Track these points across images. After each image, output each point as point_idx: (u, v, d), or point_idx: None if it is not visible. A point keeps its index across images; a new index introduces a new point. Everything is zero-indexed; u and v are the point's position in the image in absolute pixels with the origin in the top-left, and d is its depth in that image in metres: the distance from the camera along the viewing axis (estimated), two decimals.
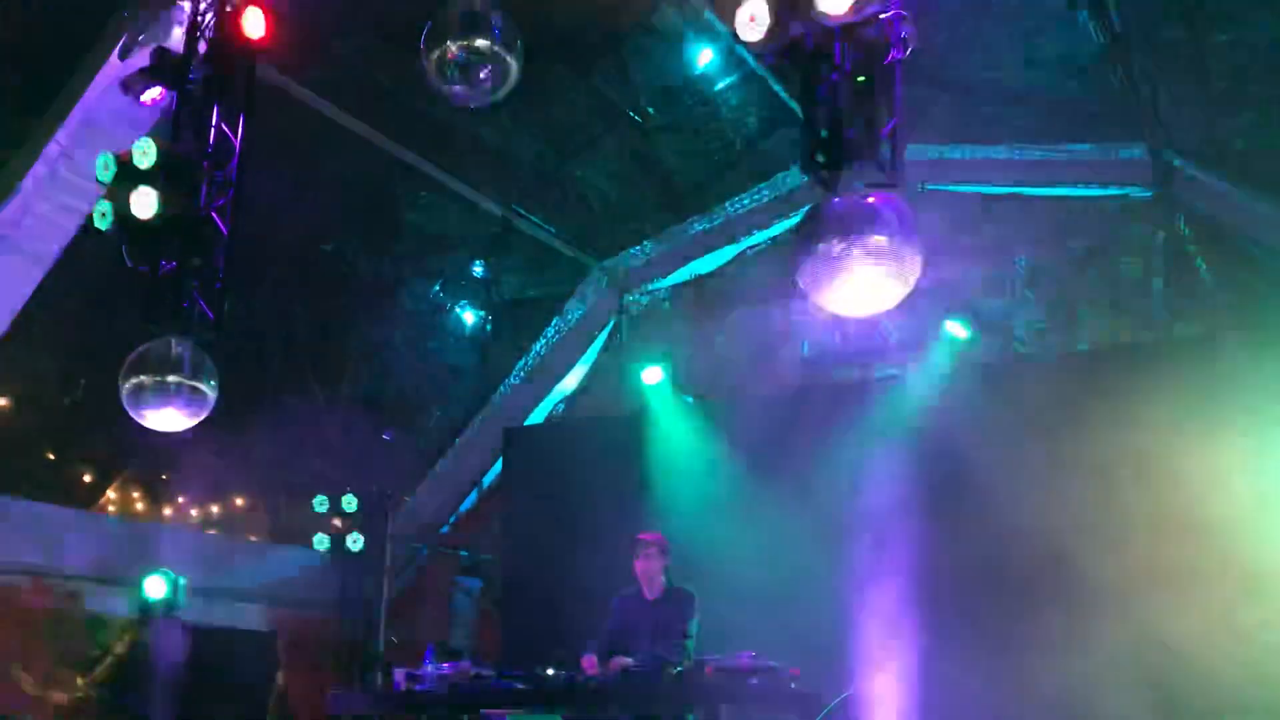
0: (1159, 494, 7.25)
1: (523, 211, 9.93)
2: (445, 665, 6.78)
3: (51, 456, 9.72)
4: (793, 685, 6.23)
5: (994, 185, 9.34)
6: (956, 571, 7.73)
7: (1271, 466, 7.21)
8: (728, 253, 10.54)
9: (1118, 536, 7.41)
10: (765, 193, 10.02)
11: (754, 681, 6.04)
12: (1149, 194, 8.75)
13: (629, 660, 6.40)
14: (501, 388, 11.24)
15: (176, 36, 6.80)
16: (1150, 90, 7.81)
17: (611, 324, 11.18)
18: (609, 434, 10.32)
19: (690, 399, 10.09)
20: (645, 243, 10.65)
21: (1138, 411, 7.58)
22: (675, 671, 6.03)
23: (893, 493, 8.10)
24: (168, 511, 10.69)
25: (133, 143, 6.33)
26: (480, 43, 5.90)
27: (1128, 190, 8.90)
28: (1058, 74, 8.10)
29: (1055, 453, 7.84)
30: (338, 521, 10.46)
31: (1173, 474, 7.29)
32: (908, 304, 5.63)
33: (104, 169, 6.25)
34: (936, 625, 7.62)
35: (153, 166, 6.21)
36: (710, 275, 10.71)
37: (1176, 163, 8.37)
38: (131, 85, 6.66)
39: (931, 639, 7.61)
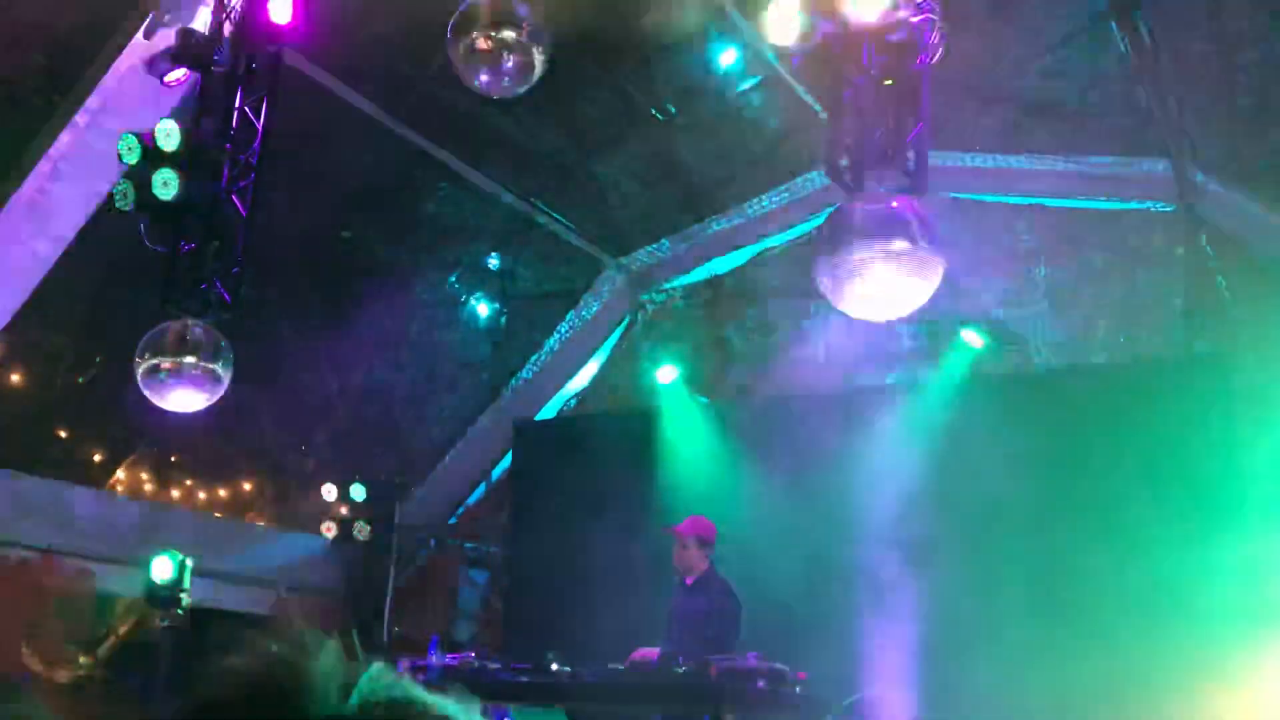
0: (1173, 509, 7.21)
1: (542, 206, 9.91)
2: (450, 657, 6.78)
3: (64, 435, 9.74)
4: (799, 689, 6.21)
5: (1015, 195, 9.29)
6: (967, 579, 7.70)
7: None
8: (746, 253, 10.51)
9: (1131, 549, 7.37)
10: (785, 194, 9.98)
11: (760, 684, 6.03)
12: (1171, 208, 8.70)
13: (651, 651, 6.36)
14: (514, 381, 11.23)
15: (202, 18, 6.81)
16: (1176, 105, 7.76)
17: (626, 321, 11.16)
18: (620, 431, 10.31)
19: (703, 399, 10.07)
20: (663, 241, 10.63)
21: (1153, 426, 7.56)
22: (680, 671, 6.01)
23: (905, 499, 8.08)
24: (176, 493, 10.71)
25: (155, 124, 6.35)
26: (507, 34, 5.89)
27: (1149, 204, 8.85)
28: (1083, 86, 8.06)
29: (1068, 465, 7.81)
30: (345, 510, 10.46)
31: (1188, 489, 7.26)
32: (925, 311, 5.62)
33: (127, 150, 6.27)
34: (946, 632, 7.59)
35: (176, 149, 6.23)
36: (727, 275, 10.68)
37: (1199, 178, 8.31)
38: (156, 66, 6.68)
39: (941, 646, 7.59)
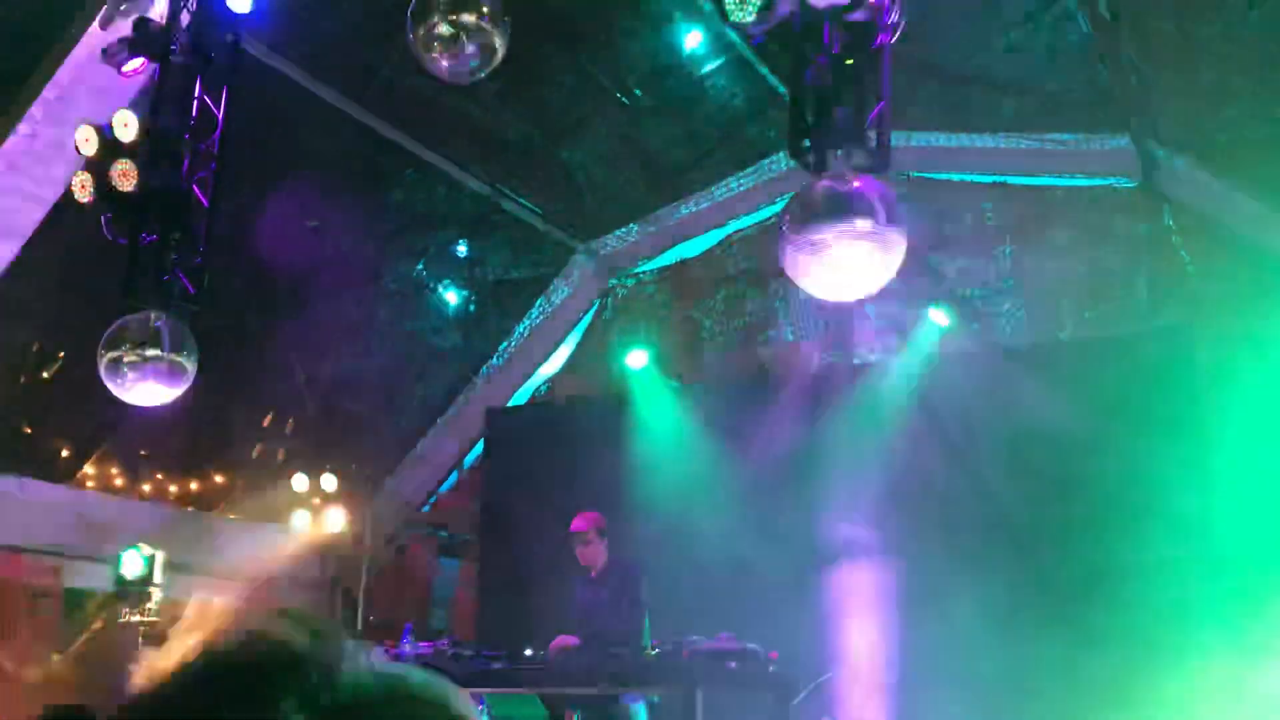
0: (1138, 483, 7.29)
1: (508, 191, 9.87)
2: (423, 645, 6.78)
3: (28, 430, 9.64)
4: (771, 668, 6.26)
5: (979, 173, 9.34)
6: (936, 557, 7.76)
7: (1250, 456, 7.26)
8: (714, 236, 10.52)
9: (1096, 524, 7.46)
10: (752, 177, 9.99)
11: (732, 664, 6.06)
12: (1134, 185, 8.77)
13: (571, 639, 6.43)
14: (484, 368, 11.21)
15: (159, 7, 6.72)
16: (1137, 81, 7.82)
17: (596, 306, 11.16)
18: (592, 416, 10.31)
19: (674, 382, 10.08)
20: (631, 225, 10.62)
21: (1119, 400, 7.63)
22: (653, 653, 6.04)
23: (874, 478, 8.13)
24: (146, 487, 10.62)
25: (113, 114, 6.27)
26: (467, 18, 5.85)
27: (1112, 181, 8.91)
28: (1045, 63, 8.10)
29: (1036, 440, 7.87)
30: (317, 500, 10.42)
31: (1152, 462, 7.34)
32: (891, 290, 5.64)
33: (85, 141, 6.20)
34: (916, 610, 7.65)
35: (135, 139, 6.16)
36: (696, 259, 10.68)
37: (1161, 154, 8.38)
38: (113, 55, 6.60)
39: (911, 624, 7.65)
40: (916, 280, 9.21)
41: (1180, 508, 7.07)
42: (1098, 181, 8.96)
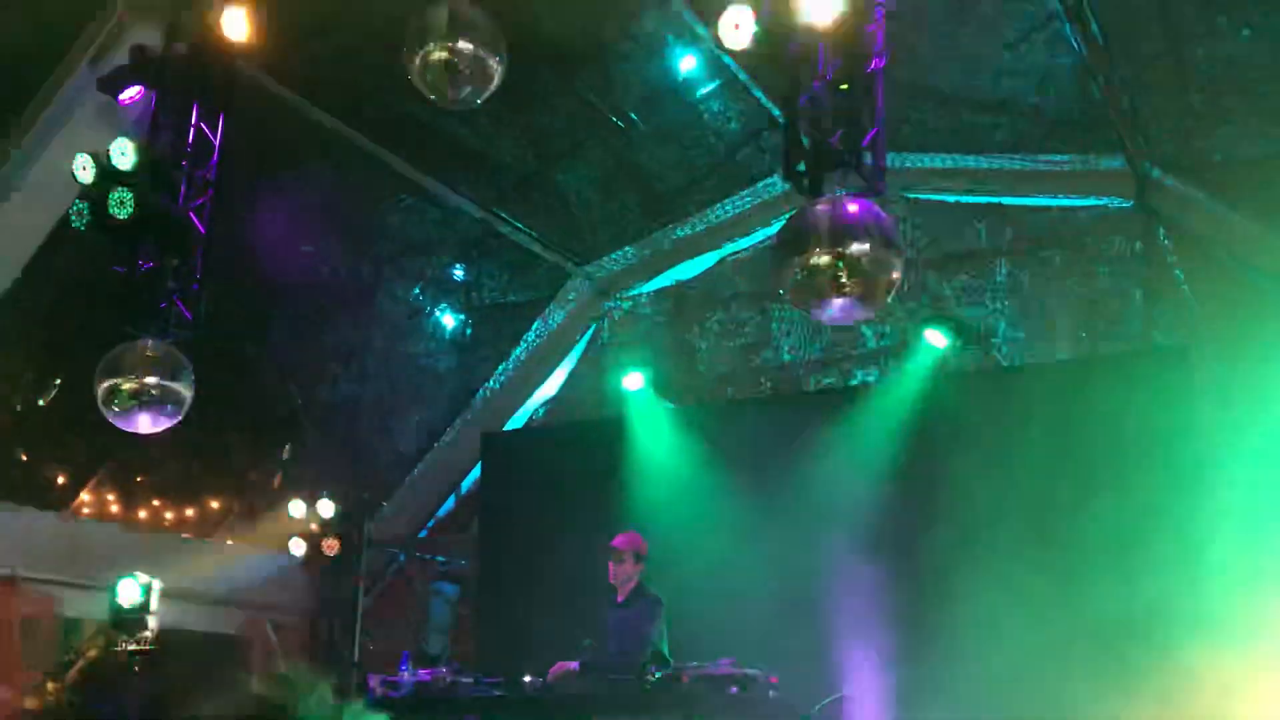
0: (1135, 503, 7.28)
1: (504, 215, 9.89)
2: (422, 672, 6.74)
3: (25, 458, 9.62)
4: (772, 693, 6.23)
5: (974, 195, 9.37)
6: (935, 577, 7.73)
7: (1246, 476, 7.25)
8: (709, 259, 10.53)
9: (1094, 544, 7.43)
10: (747, 199, 10.01)
11: (733, 689, 6.03)
12: (1128, 205, 8.79)
13: (572, 665, 6.40)
14: (481, 392, 11.19)
15: (156, 36, 6.75)
16: (1130, 101, 7.86)
17: (592, 329, 11.16)
18: (588, 439, 10.29)
19: (670, 405, 10.07)
20: (627, 248, 10.63)
21: (1116, 421, 7.62)
22: (654, 679, 6.00)
23: (871, 499, 8.11)
24: (142, 514, 10.59)
25: (110, 142, 6.28)
26: (463, 45, 5.87)
27: (1107, 201, 8.94)
28: (1038, 84, 8.13)
29: (1033, 461, 7.86)
30: (314, 526, 10.39)
31: (1148, 483, 7.33)
32: (887, 312, 5.65)
33: (82, 169, 6.21)
34: (919, 632, 7.62)
35: (132, 167, 6.17)
36: (691, 281, 10.69)
37: (1156, 174, 8.41)
38: (110, 84, 6.62)
39: (914, 646, 7.62)
40: (913, 301, 9.26)
41: (1177, 528, 7.06)
42: (1092, 202, 8.99)
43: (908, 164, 9.02)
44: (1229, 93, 7.55)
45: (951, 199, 9.42)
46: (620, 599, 6.96)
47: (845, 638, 7.77)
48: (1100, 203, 8.97)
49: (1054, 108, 8.32)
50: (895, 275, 5.13)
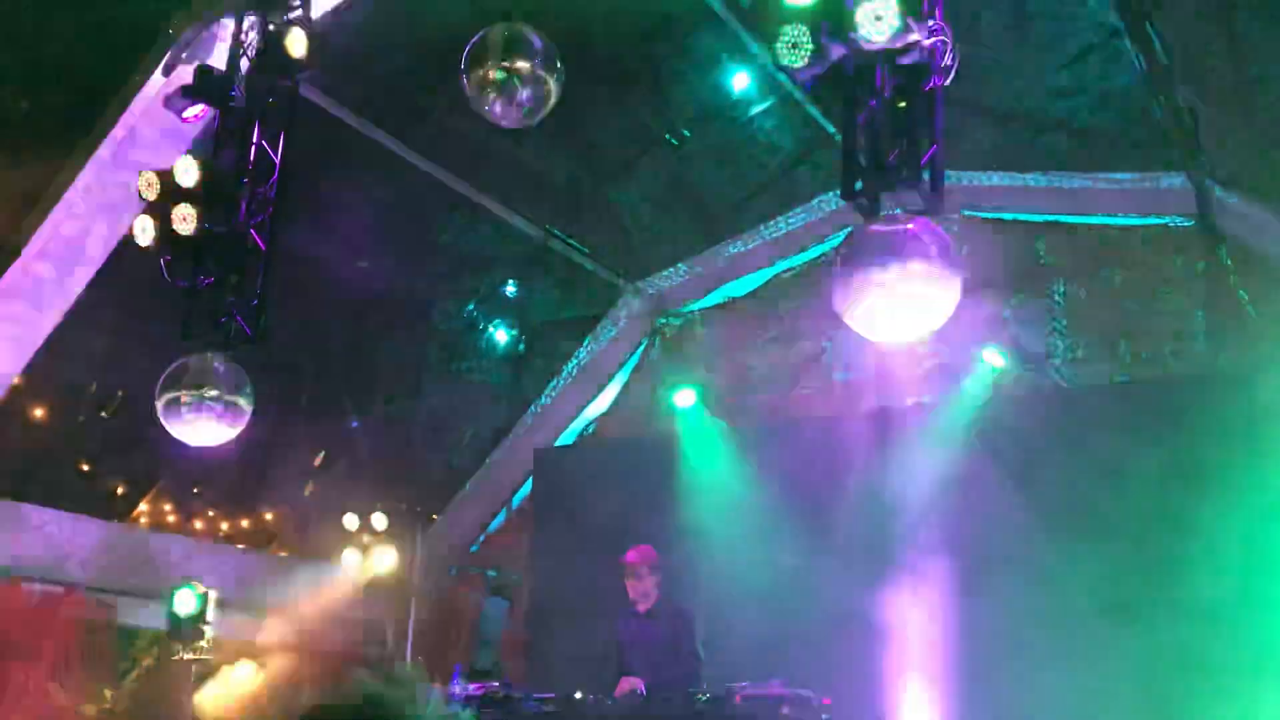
0: (1201, 528, 7.13)
1: (557, 232, 9.94)
2: (473, 686, 6.75)
3: (86, 468, 9.79)
4: (824, 715, 6.17)
5: (1033, 213, 9.26)
6: (990, 601, 7.63)
7: None
8: (762, 276, 10.50)
9: (1156, 568, 7.30)
10: (800, 216, 9.98)
11: (785, 710, 5.99)
12: (1190, 223, 8.65)
13: (638, 681, 6.37)
14: (533, 408, 11.23)
15: (220, 55, 6.87)
16: (1191, 119, 7.73)
17: (644, 346, 11.16)
18: (639, 456, 10.29)
19: (722, 423, 10.04)
20: (679, 265, 10.63)
21: (1177, 445, 7.49)
22: (705, 699, 5.98)
23: (927, 522, 8.02)
24: (199, 525, 10.74)
25: (175, 159, 6.40)
26: (521, 64, 5.92)
27: (1168, 219, 8.80)
28: (1098, 102, 8.05)
29: (1092, 484, 7.74)
30: (367, 539, 10.47)
31: (1213, 507, 7.18)
32: (944, 332, 5.59)
33: (147, 186, 6.32)
34: (973, 654, 7.53)
35: (195, 184, 6.28)
36: (744, 298, 10.66)
37: (1218, 192, 8.27)
38: (174, 102, 6.73)
39: (968, 668, 7.52)
40: (970, 321, 9.15)
41: (1236, 553, 6.92)
42: (1153, 220, 8.86)
43: (966, 182, 8.94)
44: None
45: (1009, 217, 9.32)
46: (643, 610, 6.93)
47: (900, 661, 7.69)
48: (1160, 221, 8.84)
49: (1113, 125, 8.22)
50: (953, 295, 5.08)
